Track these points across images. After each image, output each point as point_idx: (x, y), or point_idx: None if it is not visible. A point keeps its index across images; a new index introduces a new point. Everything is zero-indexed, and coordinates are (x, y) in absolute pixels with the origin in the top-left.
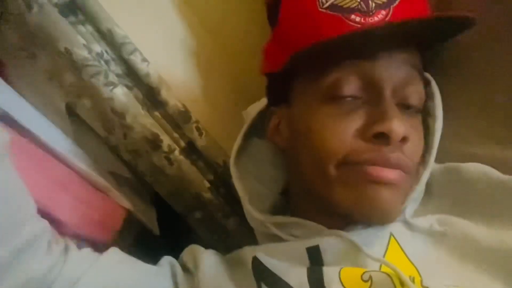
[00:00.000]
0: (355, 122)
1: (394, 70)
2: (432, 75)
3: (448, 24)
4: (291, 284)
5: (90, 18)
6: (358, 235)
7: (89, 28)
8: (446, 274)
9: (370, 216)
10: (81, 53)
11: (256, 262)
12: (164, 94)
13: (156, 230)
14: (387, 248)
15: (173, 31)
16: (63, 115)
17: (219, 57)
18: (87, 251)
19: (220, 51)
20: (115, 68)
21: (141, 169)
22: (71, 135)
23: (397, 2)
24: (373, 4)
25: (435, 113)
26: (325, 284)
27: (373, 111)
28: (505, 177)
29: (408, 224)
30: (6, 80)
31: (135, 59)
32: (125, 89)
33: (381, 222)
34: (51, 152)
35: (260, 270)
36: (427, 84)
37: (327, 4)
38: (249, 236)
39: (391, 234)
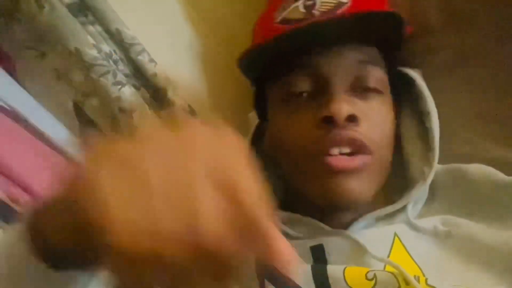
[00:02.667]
0: (309, 114)
1: (340, 62)
2: (437, 76)
3: (373, 21)
4: (296, 281)
5: (100, 19)
6: (362, 235)
7: (99, 28)
8: (450, 274)
9: (341, 204)
10: (91, 52)
11: None
12: (171, 94)
13: None
14: (391, 248)
15: (179, 33)
16: (70, 114)
17: (225, 58)
18: None
19: (226, 53)
20: (123, 68)
21: None
22: (77, 134)
23: (342, 9)
24: (318, 13)
25: (427, 109)
26: (330, 282)
27: (322, 101)
28: (509, 178)
29: (412, 225)
30: (15, 78)
31: (143, 60)
32: (132, 89)
33: (353, 206)
34: (57, 150)
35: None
36: (412, 82)
37: (279, 19)
38: None
39: (396, 234)
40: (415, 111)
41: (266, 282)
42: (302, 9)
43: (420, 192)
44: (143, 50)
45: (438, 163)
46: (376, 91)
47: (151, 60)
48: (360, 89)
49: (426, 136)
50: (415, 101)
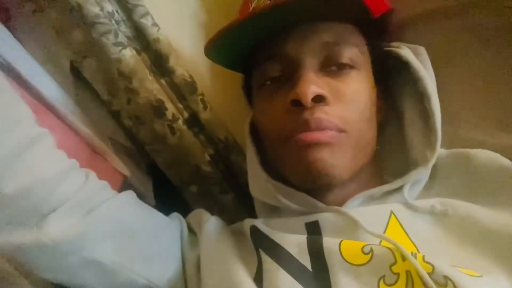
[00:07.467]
0: (281, 99)
1: (307, 43)
2: (446, 60)
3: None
4: (290, 251)
5: None
6: (358, 212)
7: None
8: (446, 253)
9: (318, 181)
10: (93, 9)
11: (254, 229)
12: (172, 62)
13: (151, 200)
14: (387, 226)
15: (185, 3)
16: (66, 74)
17: None
18: (107, 184)
19: None
20: (125, 30)
21: (141, 137)
22: (72, 96)
23: None
24: None
25: (427, 93)
26: (325, 254)
27: (292, 84)
28: None
29: (408, 205)
30: (12, 32)
31: (146, 23)
32: (133, 52)
33: (332, 182)
34: (52, 110)
35: (258, 237)
36: (407, 66)
37: (251, 9)
38: (245, 213)
39: (392, 212)
40: (417, 92)
41: (261, 252)
42: None
43: (419, 175)
44: (147, 13)
45: (444, 146)
46: (350, 66)
47: (154, 24)
48: (333, 66)
49: (428, 118)
50: (416, 82)
